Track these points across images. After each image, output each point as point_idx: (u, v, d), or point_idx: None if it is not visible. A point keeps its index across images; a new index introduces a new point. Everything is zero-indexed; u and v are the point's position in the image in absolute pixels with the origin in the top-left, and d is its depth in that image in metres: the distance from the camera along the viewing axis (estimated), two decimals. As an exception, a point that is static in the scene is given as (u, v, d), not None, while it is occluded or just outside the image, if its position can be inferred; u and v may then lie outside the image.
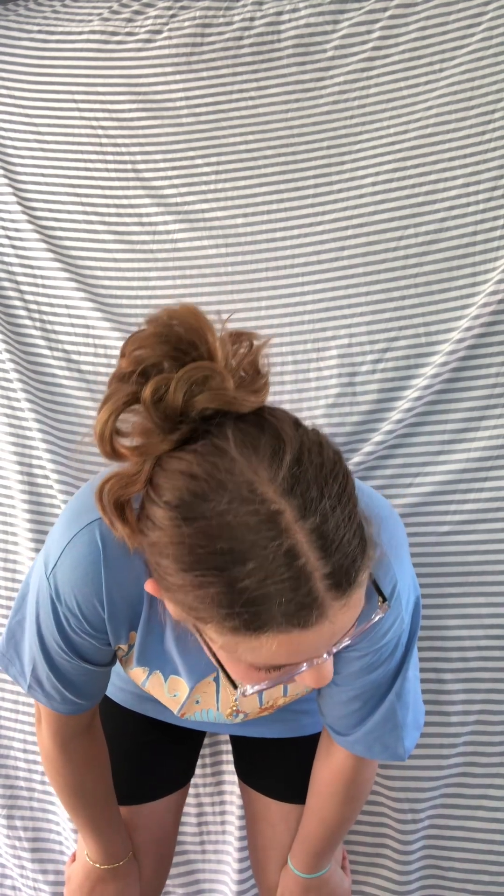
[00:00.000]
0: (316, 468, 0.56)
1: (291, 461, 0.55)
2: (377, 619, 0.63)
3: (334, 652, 0.59)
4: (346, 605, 0.55)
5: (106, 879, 0.97)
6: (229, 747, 1.24)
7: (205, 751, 1.27)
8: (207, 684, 0.83)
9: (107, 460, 0.59)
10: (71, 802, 0.92)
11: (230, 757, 1.24)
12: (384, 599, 0.64)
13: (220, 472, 0.54)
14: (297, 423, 0.60)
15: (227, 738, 1.22)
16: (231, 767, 1.26)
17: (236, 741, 1.12)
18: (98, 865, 0.97)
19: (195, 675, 0.81)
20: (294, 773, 0.96)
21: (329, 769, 0.89)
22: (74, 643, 0.75)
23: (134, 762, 1.00)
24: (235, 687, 0.62)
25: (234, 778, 1.18)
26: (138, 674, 0.84)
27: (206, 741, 1.27)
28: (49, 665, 0.78)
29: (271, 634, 0.53)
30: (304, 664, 0.58)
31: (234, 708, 0.85)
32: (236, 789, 1.25)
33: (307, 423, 0.62)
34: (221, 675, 0.73)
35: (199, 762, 1.27)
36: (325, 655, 0.58)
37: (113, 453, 0.58)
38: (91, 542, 0.68)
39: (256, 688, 0.61)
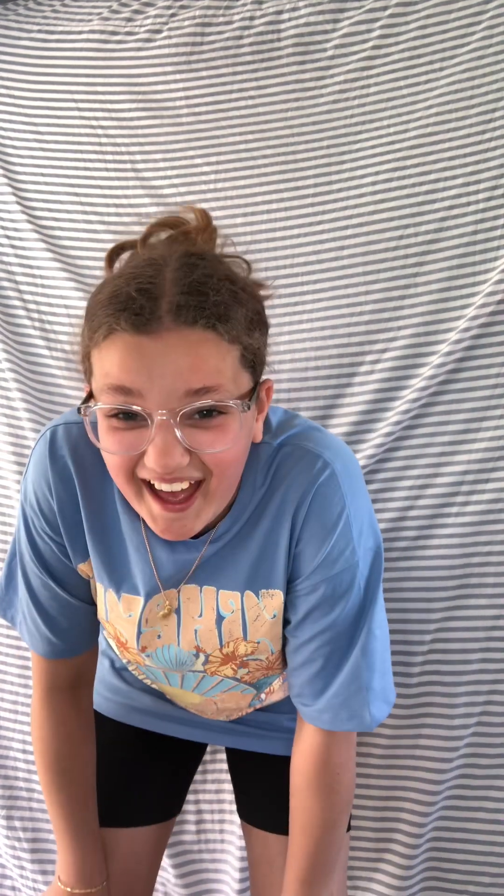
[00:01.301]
0: (229, 283, 0.66)
1: (199, 263, 0.66)
2: (230, 403, 0.65)
3: (178, 419, 0.63)
4: (183, 338, 0.62)
5: None
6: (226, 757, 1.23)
7: (205, 765, 1.27)
8: (168, 617, 0.82)
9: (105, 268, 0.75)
10: (49, 779, 0.90)
11: (226, 760, 1.23)
12: (251, 396, 0.70)
13: (152, 249, 0.69)
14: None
15: (225, 754, 1.18)
16: (228, 774, 1.25)
17: (235, 775, 1.09)
18: (69, 889, 0.91)
19: (148, 585, 0.81)
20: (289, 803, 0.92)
21: (301, 754, 0.86)
22: (41, 551, 0.82)
23: (116, 776, 0.97)
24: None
25: (232, 786, 1.16)
26: (100, 600, 0.85)
27: (206, 761, 1.27)
28: (27, 587, 0.84)
29: (114, 335, 0.63)
30: (150, 425, 0.64)
31: (195, 645, 0.84)
32: (235, 802, 1.25)
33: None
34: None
35: (200, 772, 1.26)
36: (162, 414, 0.63)
37: (109, 265, 0.75)
38: (43, 443, 0.79)
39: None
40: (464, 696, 1.17)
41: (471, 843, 1.19)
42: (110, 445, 0.67)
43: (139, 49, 1.34)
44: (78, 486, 0.78)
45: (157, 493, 0.68)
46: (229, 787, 1.27)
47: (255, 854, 1.01)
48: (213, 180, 1.30)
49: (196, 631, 0.83)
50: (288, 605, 0.81)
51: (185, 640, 0.84)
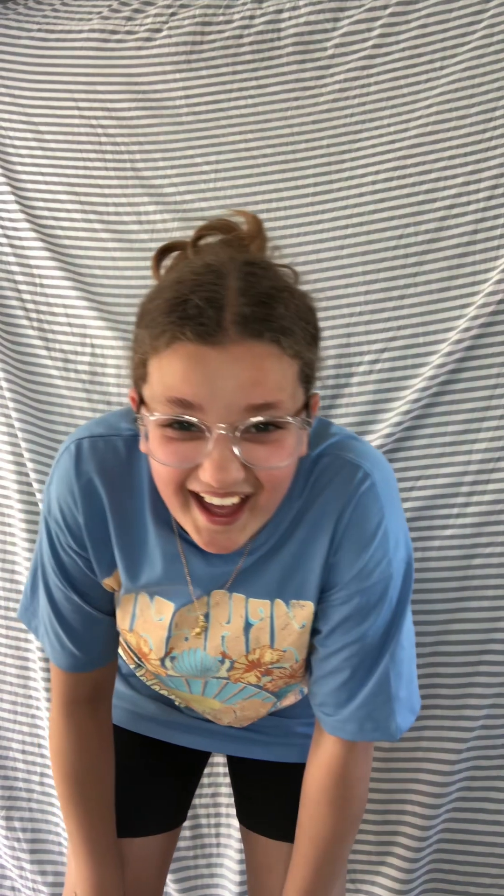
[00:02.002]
0: (288, 293, 0.64)
1: (263, 274, 0.64)
2: (290, 419, 0.64)
3: (238, 434, 0.62)
4: (248, 351, 0.61)
5: None
6: (230, 789, 1.22)
7: (204, 783, 1.26)
8: (196, 619, 0.82)
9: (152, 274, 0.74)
10: (68, 792, 0.88)
11: (222, 764, 1.23)
12: (307, 413, 0.69)
13: (206, 254, 0.67)
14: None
15: (227, 774, 1.16)
16: (224, 778, 1.26)
17: (236, 779, 1.07)
18: None
19: (182, 596, 0.80)
20: (293, 810, 0.89)
21: (318, 764, 0.84)
22: (65, 564, 0.81)
23: (125, 785, 0.94)
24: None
25: (232, 789, 1.15)
26: (126, 609, 0.84)
27: (204, 781, 1.26)
28: (49, 599, 0.83)
29: (176, 344, 0.61)
30: (207, 439, 0.62)
31: (222, 651, 0.83)
32: (233, 810, 1.24)
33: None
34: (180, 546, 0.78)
35: (198, 791, 1.25)
36: (221, 428, 0.61)
37: (156, 264, 0.74)
38: (68, 457, 0.77)
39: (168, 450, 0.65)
40: (466, 699, 1.17)
41: (472, 843, 1.19)
42: (163, 456, 0.65)
43: (139, 48, 1.34)
44: (106, 501, 0.77)
45: (204, 506, 0.67)
46: (226, 790, 1.26)
47: (255, 860, 0.99)
48: (213, 179, 1.29)
49: (223, 637, 0.82)
50: (319, 615, 0.80)
51: (211, 646, 0.83)
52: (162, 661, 0.85)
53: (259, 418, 0.62)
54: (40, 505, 1.28)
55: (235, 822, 1.24)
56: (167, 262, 0.74)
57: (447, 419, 1.17)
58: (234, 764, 1.07)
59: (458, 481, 1.17)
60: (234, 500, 0.66)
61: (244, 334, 0.60)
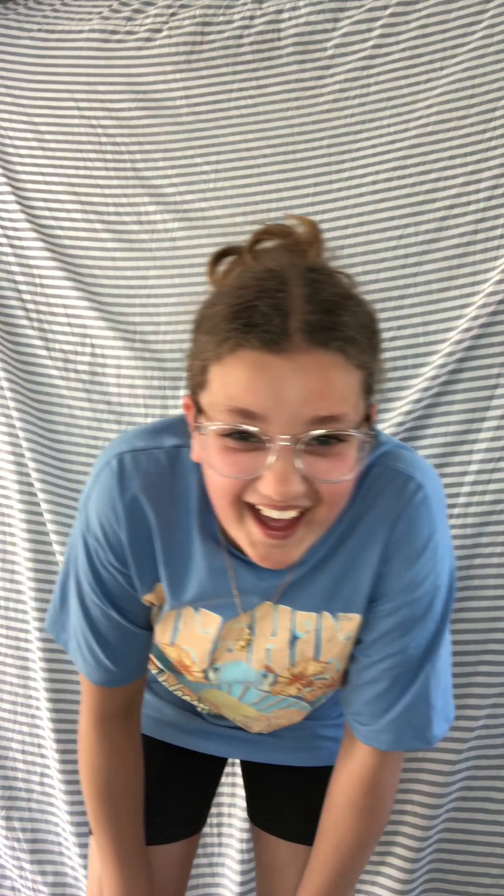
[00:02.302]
0: (354, 303, 0.63)
1: (326, 280, 0.62)
2: (353, 433, 0.63)
3: (300, 447, 0.60)
4: (314, 360, 0.59)
5: None
6: (241, 791, 1.22)
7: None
8: (241, 631, 0.80)
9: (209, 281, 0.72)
10: (99, 808, 0.87)
11: (229, 772, 1.22)
12: (370, 425, 0.68)
13: (266, 259, 0.66)
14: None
15: (230, 774, 1.15)
16: (226, 777, 1.25)
17: (249, 778, 1.05)
18: None
19: (228, 610, 0.79)
20: (307, 811, 0.89)
21: (348, 773, 0.83)
22: (104, 581, 0.78)
23: (149, 793, 0.93)
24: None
25: (245, 789, 1.14)
26: (168, 623, 0.82)
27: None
28: (84, 614, 0.80)
29: (240, 351, 0.59)
30: (268, 451, 0.60)
31: (266, 664, 0.81)
32: (234, 810, 1.24)
33: None
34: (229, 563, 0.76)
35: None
36: (284, 440, 0.59)
37: (212, 268, 0.72)
38: (110, 473, 0.75)
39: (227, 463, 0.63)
40: (466, 699, 1.16)
41: (472, 843, 1.19)
42: (223, 467, 0.63)
43: (139, 48, 1.34)
44: (152, 518, 0.74)
45: (260, 519, 0.65)
46: (228, 790, 1.26)
47: (266, 860, 0.98)
48: (213, 179, 1.30)
49: (268, 650, 0.81)
50: (363, 625, 0.79)
51: (255, 658, 0.82)
52: (205, 672, 0.84)
53: (322, 431, 0.60)
54: (42, 504, 1.28)
55: (237, 822, 1.24)
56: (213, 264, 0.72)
57: (448, 419, 1.17)
58: (248, 763, 1.05)
59: (458, 481, 1.17)
60: (293, 513, 0.64)
61: (310, 343, 0.58)
